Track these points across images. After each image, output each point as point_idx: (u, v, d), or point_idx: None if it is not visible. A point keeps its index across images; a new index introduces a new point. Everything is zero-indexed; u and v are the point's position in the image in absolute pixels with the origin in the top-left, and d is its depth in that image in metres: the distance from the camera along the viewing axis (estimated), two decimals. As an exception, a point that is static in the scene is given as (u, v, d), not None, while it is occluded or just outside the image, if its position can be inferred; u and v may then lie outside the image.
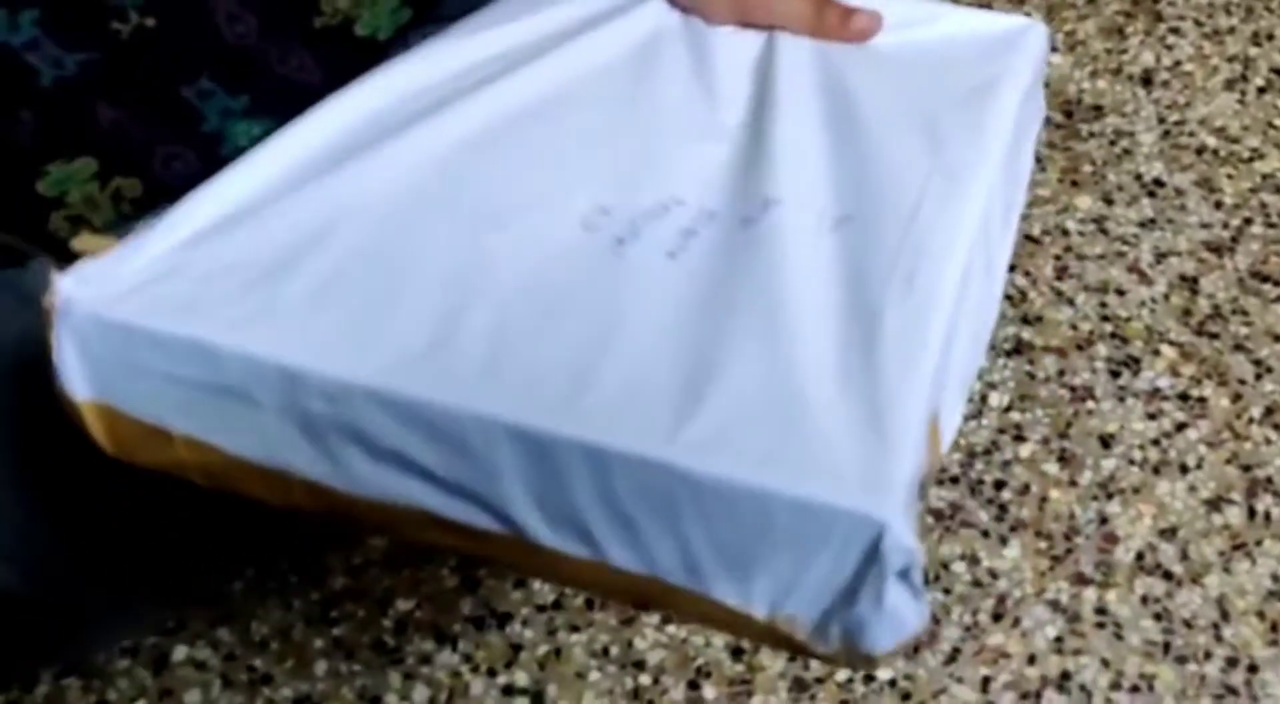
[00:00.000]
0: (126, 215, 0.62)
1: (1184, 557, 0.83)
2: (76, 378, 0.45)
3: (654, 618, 0.80)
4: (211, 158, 0.61)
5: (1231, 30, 1.20)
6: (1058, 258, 1.02)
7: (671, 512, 0.41)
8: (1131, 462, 0.88)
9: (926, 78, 0.58)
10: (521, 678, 0.78)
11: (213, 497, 0.67)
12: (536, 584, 0.82)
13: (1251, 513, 0.85)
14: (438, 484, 0.43)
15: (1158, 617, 0.81)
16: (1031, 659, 0.79)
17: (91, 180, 0.61)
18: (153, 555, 0.71)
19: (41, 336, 0.45)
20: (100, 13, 0.59)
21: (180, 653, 0.79)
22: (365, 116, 0.51)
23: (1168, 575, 0.83)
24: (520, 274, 0.46)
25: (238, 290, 0.45)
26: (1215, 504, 0.86)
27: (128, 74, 0.59)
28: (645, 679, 0.78)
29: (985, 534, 0.85)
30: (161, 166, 0.62)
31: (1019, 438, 0.90)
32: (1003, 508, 0.86)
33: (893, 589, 0.40)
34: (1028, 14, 1.24)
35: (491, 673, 0.78)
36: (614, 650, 0.79)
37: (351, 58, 0.59)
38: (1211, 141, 1.10)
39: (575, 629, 0.80)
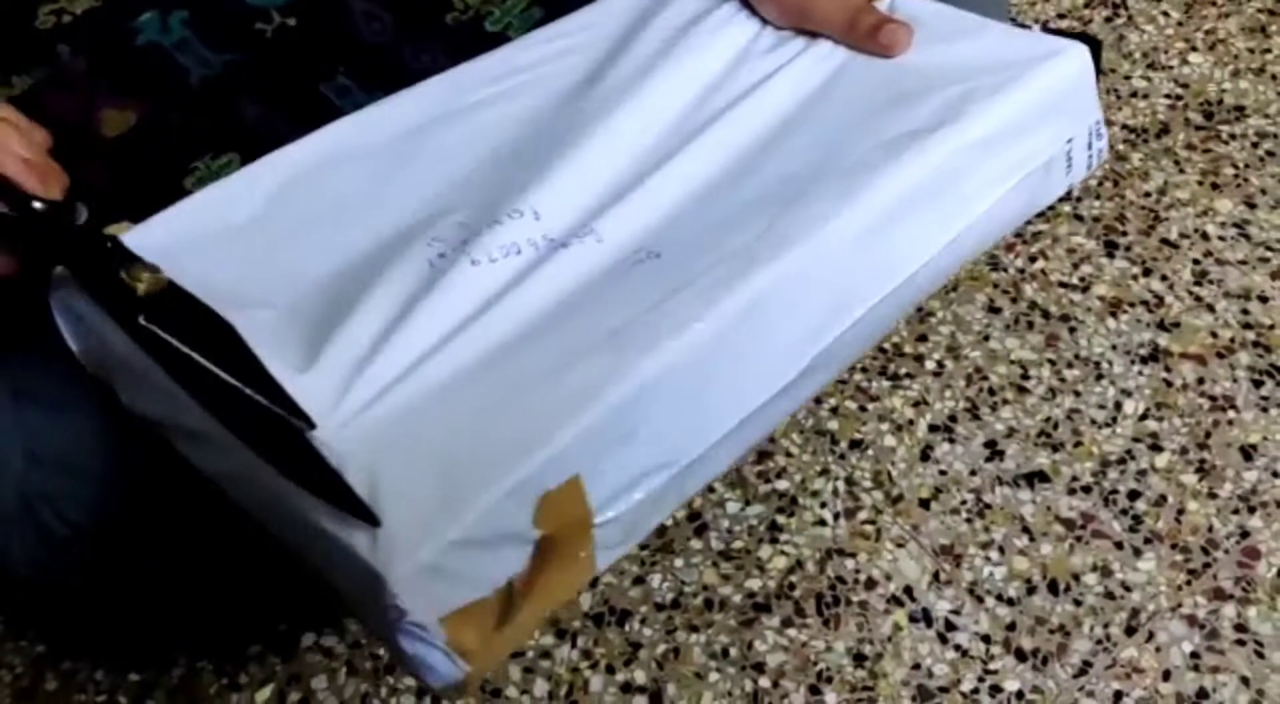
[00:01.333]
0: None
1: (1332, 574, 0.80)
2: (68, 336, 0.51)
3: (775, 620, 0.79)
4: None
5: (1385, 28, 1.15)
6: (1196, 262, 0.98)
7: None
8: (1275, 474, 0.85)
9: (910, 94, 0.54)
10: (640, 676, 0.78)
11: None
12: (655, 582, 0.82)
13: (1406, 530, 0.81)
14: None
15: (1303, 636, 0.77)
16: (1167, 675, 0.76)
17: None
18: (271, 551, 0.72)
19: None
20: (245, 14, 0.61)
21: (308, 639, 0.80)
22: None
23: (1314, 593, 0.79)
24: (338, 270, 0.50)
25: None
26: (1366, 520, 0.82)
27: (270, 72, 0.61)
28: (765, 682, 0.77)
29: (1119, 546, 0.82)
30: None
31: (1155, 447, 0.87)
32: (1137, 519, 0.83)
33: (404, 638, 0.42)
34: (1165, 13, 1.20)
35: (610, 670, 0.78)
36: (733, 652, 0.78)
37: (481, 53, 0.60)
38: (1363, 143, 1.05)
39: (694, 629, 0.79)
